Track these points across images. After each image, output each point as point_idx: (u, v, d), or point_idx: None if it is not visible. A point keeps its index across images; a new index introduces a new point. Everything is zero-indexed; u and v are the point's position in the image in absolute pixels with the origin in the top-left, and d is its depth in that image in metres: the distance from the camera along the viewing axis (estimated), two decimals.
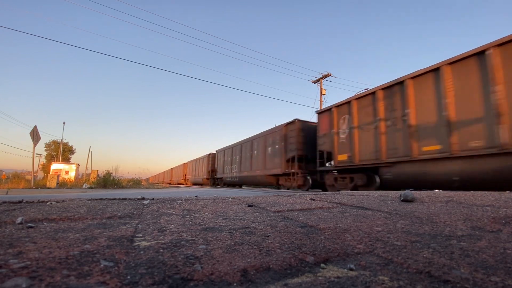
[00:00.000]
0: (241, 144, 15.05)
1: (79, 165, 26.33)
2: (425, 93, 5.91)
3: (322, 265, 0.82)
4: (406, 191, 2.44)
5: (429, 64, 5.92)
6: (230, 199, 2.72)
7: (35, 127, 15.20)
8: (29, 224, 1.26)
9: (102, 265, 0.74)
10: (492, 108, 4.75)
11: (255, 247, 0.97)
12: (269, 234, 1.17)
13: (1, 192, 8.57)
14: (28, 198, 2.48)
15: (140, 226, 1.31)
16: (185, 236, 1.12)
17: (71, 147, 42.30)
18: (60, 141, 33.68)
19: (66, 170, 23.35)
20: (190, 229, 1.26)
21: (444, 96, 5.49)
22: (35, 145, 15.16)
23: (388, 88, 6.78)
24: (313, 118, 13.28)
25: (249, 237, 1.11)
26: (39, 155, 35.30)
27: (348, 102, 8.01)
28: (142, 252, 0.88)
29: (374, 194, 3.06)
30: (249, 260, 0.82)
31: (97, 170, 20.17)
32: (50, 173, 19.08)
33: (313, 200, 2.62)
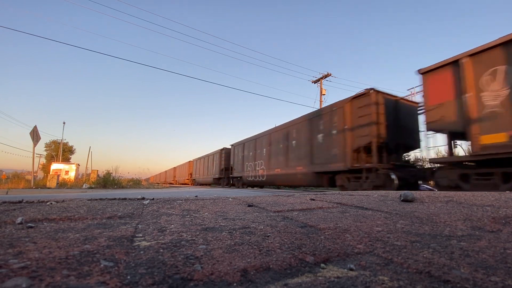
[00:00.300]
0: (269, 134, 12.06)
1: (79, 165, 26.34)
2: None
3: (322, 265, 0.82)
4: (406, 191, 2.44)
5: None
6: (230, 199, 2.72)
7: (35, 127, 15.20)
8: (29, 224, 1.26)
9: (102, 265, 0.74)
10: None
11: (255, 247, 0.97)
12: (269, 234, 1.17)
13: (1, 192, 8.57)
14: (28, 198, 2.48)
15: (140, 226, 1.31)
16: (185, 236, 1.12)
17: (71, 147, 42.31)
18: (60, 141, 33.69)
19: (66, 170, 23.35)
20: (190, 229, 1.26)
21: None
22: (35, 145, 15.16)
23: None
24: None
25: (249, 237, 1.11)
26: (39, 155, 35.30)
27: (503, 44, 4.66)
28: (142, 252, 0.88)
29: (374, 194, 3.06)
30: (249, 260, 0.82)
31: (97, 170, 20.16)
32: (50, 173, 19.08)
33: (313, 200, 2.62)
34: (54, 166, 23.64)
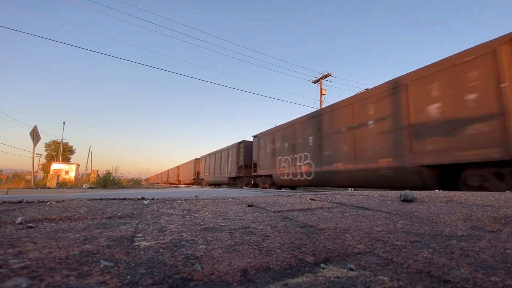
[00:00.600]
0: (318, 115, 8.89)
1: (79, 165, 26.38)
2: None
3: (322, 265, 0.81)
4: (406, 191, 2.44)
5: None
6: (230, 199, 2.72)
7: (35, 127, 15.20)
8: (29, 224, 1.26)
9: (102, 265, 0.74)
10: None
11: (255, 247, 0.97)
12: (269, 234, 1.17)
13: (1, 192, 8.57)
14: (28, 198, 2.48)
15: (140, 226, 1.31)
16: (185, 236, 1.12)
17: (71, 147, 42.36)
18: (60, 141, 33.72)
19: (66, 170, 23.39)
20: (190, 229, 1.26)
21: None
22: (35, 145, 15.16)
23: None
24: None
25: (249, 237, 1.11)
26: (39, 155, 35.32)
27: None
28: (142, 252, 0.88)
29: (374, 194, 3.06)
30: (249, 260, 0.82)
31: (97, 170, 20.20)
32: (50, 173, 19.09)
33: (313, 200, 2.62)
34: (54, 166, 23.68)
